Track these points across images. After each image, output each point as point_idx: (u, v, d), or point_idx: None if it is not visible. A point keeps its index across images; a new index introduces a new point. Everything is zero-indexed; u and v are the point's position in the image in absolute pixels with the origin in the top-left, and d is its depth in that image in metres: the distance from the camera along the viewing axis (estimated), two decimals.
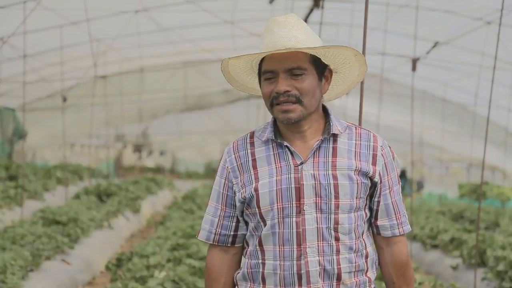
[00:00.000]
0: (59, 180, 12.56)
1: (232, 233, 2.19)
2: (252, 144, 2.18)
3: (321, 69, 2.12)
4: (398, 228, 2.19)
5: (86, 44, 11.35)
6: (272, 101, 2.08)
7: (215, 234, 2.19)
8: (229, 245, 2.20)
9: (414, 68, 9.91)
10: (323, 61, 2.12)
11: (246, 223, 2.19)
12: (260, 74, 2.14)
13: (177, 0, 10.29)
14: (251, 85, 2.26)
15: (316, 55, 2.09)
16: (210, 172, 25.18)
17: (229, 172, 2.17)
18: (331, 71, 2.16)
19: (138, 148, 24.61)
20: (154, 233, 8.75)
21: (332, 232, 2.06)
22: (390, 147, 2.21)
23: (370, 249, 2.16)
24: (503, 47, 9.07)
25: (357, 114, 3.40)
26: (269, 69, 2.07)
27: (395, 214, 2.19)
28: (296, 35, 2.06)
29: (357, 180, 2.08)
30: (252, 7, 11.03)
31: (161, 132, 21.88)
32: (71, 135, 16.89)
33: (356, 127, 2.19)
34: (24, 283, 5.22)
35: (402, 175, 20.67)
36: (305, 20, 11.56)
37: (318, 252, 2.04)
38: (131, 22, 10.78)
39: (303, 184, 2.06)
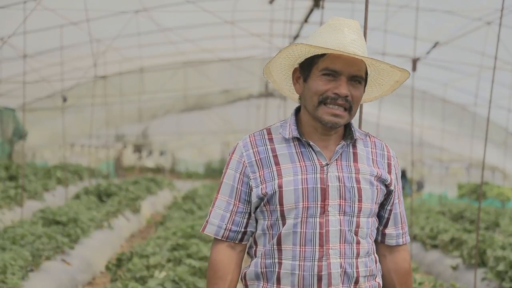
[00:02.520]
0: (59, 180, 12.56)
1: (242, 229, 2.14)
2: (271, 140, 2.13)
3: (365, 85, 2.13)
4: (402, 238, 2.23)
5: (86, 44, 11.35)
6: (324, 100, 2.04)
7: (225, 229, 2.13)
8: (237, 241, 2.15)
9: (414, 68, 9.92)
10: (368, 76, 2.14)
11: (256, 221, 2.15)
12: (310, 67, 2.08)
13: (177, 0, 10.28)
14: (274, 72, 2.20)
15: (372, 69, 2.12)
16: (210, 172, 25.18)
17: (245, 166, 2.11)
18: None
19: (138, 148, 24.59)
20: (154, 233, 8.75)
21: (353, 235, 2.06)
22: (397, 158, 2.25)
23: (376, 255, 2.18)
24: (503, 47, 9.06)
25: (357, 114, 3.40)
26: (333, 68, 2.03)
27: (401, 224, 2.23)
28: (363, 44, 2.06)
29: (376, 186, 2.10)
30: (252, 7, 11.02)
31: (161, 132, 21.86)
32: (71, 135, 16.88)
33: (369, 136, 2.21)
34: (24, 283, 5.22)
35: (402, 175, 20.68)
36: (305, 20, 11.56)
37: (340, 255, 2.03)
38: (131, 22, 10.78)
39: (328, 185, 2.04)
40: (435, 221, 9.99)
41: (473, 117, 14.09)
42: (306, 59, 2.09)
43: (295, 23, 11.80)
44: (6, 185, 9.89)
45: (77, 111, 15.90)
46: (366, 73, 2.12)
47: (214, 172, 25.02)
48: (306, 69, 2.09)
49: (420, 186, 21.79)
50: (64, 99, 13.20)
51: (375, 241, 2.22)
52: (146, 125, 21.08)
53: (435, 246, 8.62)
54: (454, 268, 7.41)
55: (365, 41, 2.13)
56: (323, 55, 2.05)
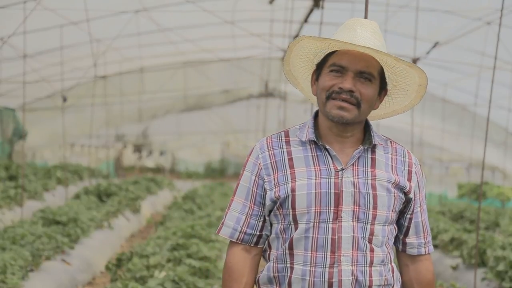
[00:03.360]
0: (59, 180, 12.56)
1: (257, 233, 2.11)
2: (287, 143, 2.11)
3: (383, 85, 2.10)
4: (425, 247, 2.19)
5: (86, 44, 11.36)
6: (330, 95, 2.02)
7: (240, 232, 2.11)
8: (252, 245, 2.12)
9: None
10: (386, 78, 2.10)
11: (271, 224, 2.12)
12: (322, 65, 2.08)
13: (177, 0, 10.29)
14: (299, 78, 2.21)
15: (387, 69, 2.07)
16: (210, 172, 25.16)
17: (261, 169, 2.09)
18: (386, 92, 2.13)
19: (138, 148, 24.58)
20: (154, 233, 8.75)
21: (367, 242, 2.02)
22: (420, 165, 2.21)
23: (394, 264, 2.14)
24: (503, 47, 9.06)
25: None
26: (339, 63, 2.02)
27: (423, 233, 2.18)
28: (376, 43, 2.02)
29: (394, 193, 2.06)
30: (252, 7, 11.03)
31: (161, 132, 21.86)
32: (71, 135, 16.88)
33: (391, 142, 2.18)
34: (24, 283, 5.22)
35: None
36: (305, 20, 11.57)
37: (352, 262, 2.00)
38: (131, 22, 10.78)
39: (342, 190, 2.01)
40: (435, 221, 9.99)
41: (473, 117, 14.09)
42: (322, 60, 2.09)
43: (295, 23, 11.80)
44: (6, 185, 9.89)
45: (77, 111, 15.90)
46: (383, 74, 2.09)
47: (214, 172, 25.01)
48: (319, 68, 2.09)
49: None
50: (64, 99, 13.20)
51: (397, 249, 2.19)
52: (146, 125, 21.09)
53: (435, 246, 8.61)
54: (454, 268, 7.41)
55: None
56: (333, 52, 2.05)
